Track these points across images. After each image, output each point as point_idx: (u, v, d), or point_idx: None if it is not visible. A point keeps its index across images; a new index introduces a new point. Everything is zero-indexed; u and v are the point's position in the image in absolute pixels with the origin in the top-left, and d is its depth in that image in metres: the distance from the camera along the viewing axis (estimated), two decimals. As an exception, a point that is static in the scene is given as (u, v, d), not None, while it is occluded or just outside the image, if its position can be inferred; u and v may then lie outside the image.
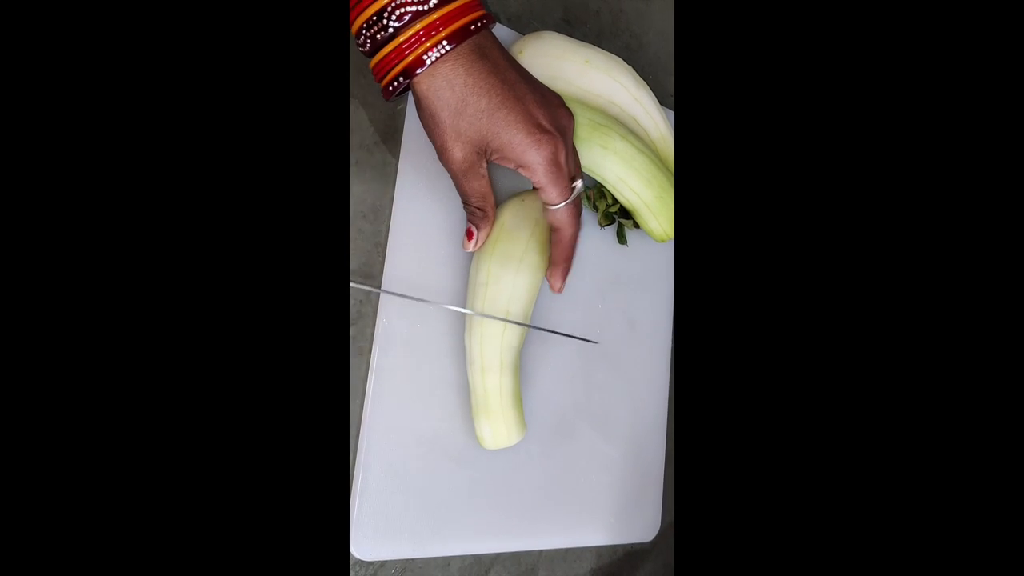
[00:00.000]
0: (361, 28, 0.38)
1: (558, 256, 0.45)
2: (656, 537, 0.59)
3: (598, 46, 0.54)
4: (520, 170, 0.41)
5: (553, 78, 0.52)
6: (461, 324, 0.48)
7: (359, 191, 0.46)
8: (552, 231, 0.45)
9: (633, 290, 0.58)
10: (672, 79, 0.66)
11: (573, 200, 0.42)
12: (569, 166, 0.42)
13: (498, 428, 0.46)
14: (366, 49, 0.38)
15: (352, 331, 0.45)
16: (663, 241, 0.56)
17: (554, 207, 0.42)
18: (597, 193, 0.55)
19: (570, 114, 0.43)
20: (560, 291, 0.47)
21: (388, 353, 0.45)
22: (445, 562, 0.48)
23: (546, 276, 0.47)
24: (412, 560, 0.46)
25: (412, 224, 0.47)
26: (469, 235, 0.45)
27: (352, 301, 0.45)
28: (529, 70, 0.51)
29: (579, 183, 0.43)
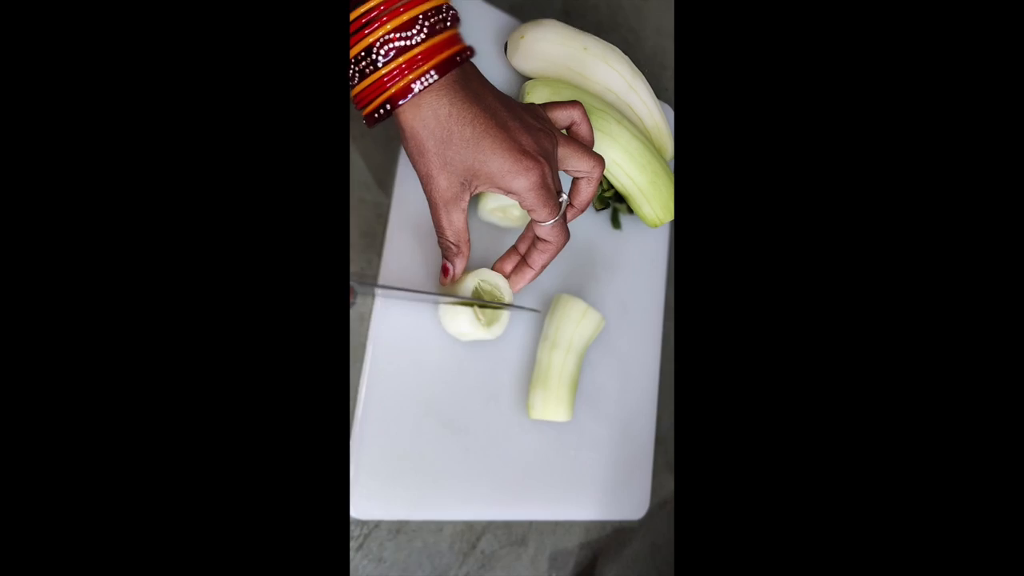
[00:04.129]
0: (350, 63, 0.39)
1: (536, 263, 0.46)
2: (644, 517, 0.60)
3: (596, 36, 0.56)
4: (508, 195, 0.41)
5: (552, 63, 0.54)
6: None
7: (363, 162, 0.48)
8: (539, 242, 0.45)
9: (626, 274, 0.60)
10: (668, 74, 0.68)
11: (562, 215, 0.43)
12: (555, 184, 0.42)
13: (549, 400, 0.50)
14: (353, 82, 0.40)
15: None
16: (655, 226, 0.58)
17: (545, 224, 0.43)
18: (593, 177, 0.57)
19: (552, 136, 0.43)
20: (517, 291, 0.47)
21: (388, 318, 0.46)
22: (438, 526, 0.49)
23: (513, 271, 0.47)
24: (406, 522, 0.47)
25: (413, 195, 0.48)
26: (444, 271, 0.45)
27: (355, 268, 0.46)
28: (530, 54, 0.53)
29: (564, 197, 0.43)
